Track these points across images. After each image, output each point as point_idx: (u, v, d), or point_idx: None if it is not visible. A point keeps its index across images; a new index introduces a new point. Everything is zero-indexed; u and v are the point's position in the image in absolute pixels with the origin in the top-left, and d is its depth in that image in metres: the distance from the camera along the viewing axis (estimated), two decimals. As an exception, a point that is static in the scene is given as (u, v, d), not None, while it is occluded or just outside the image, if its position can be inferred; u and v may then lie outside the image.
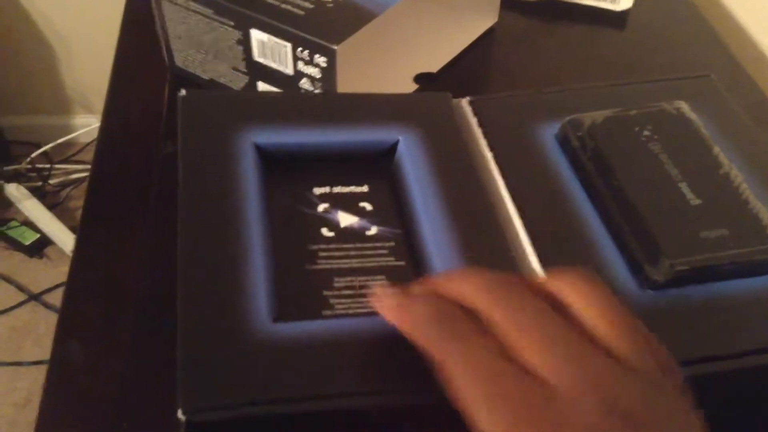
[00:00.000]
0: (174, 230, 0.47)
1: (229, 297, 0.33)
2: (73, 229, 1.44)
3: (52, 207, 1.49)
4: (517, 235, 0.39)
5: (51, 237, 1.43)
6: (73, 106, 1.61)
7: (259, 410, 0.29)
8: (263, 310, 0.32)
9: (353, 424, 0.32)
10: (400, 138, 0.42)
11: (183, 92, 0.42)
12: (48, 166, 1.56)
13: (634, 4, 0.68)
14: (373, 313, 0.35)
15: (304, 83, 0.50)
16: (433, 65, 0.60)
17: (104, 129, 0.54)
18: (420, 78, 0.58)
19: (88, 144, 1.62)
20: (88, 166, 1.56)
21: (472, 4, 0.62)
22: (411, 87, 0.58)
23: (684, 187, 0.39)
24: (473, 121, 0.45)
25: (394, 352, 0.31)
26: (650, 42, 0.66)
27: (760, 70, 0.67)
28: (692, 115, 0.44)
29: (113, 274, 0.44)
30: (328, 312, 0.35)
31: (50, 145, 1.55)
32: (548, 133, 0.44)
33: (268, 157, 0.41)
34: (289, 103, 0.43)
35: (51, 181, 1.55)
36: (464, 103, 0.47)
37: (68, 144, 1.59)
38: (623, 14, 0.68)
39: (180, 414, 0.29)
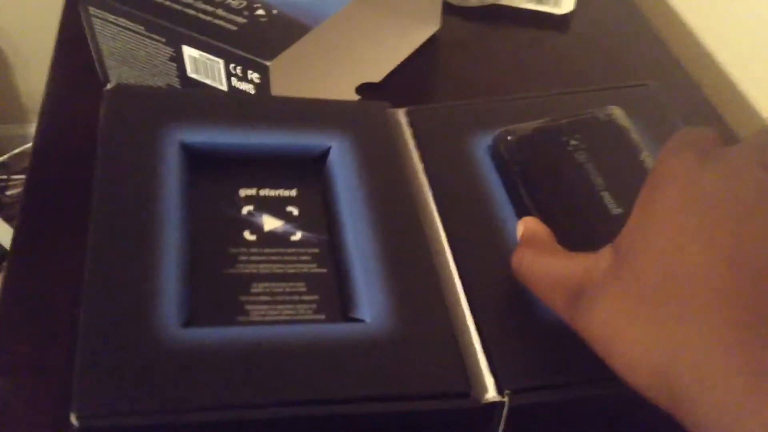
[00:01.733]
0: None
1: (137, 299, 0.32)
2: (32, 240, 1.42)
3: (10, 219, 1.46)
4: (441, 246, 0.38)
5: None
6: (29, 115, 1.59)
7: (157, 419, 0.28)
8: (172, 314, 0.32)
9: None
10: (333, 144, 0.42)
11: (109, 86, 0.41)
12: (5, 177, 1.53)
13: (576, 7, 0.68)
14: (289, 321, 0.35)
15: (240, 99, 0.50)
16: (376, 75, 0.60)
17: (37, 150, 0.53)
18: (363, 89, 0.58)
19: (46, 153, 1.59)
20: (47, 176, 1.54)
21: (412, 12, 0.61)
22: (354, 98, 0.57)
23: (606, 196, 0.39)
24: (408, 133, 0.45)
25: (307, 362, 0.31)
26: (592, 45, 0.66)
27: (701, 70, 0.68)
28: (623, 120, 0.44)
29: (46, 300, 0.44)
30: (242, 318, 0.34)
31: (7, 156, 1.53)
32: (481, 145, 0.44)
33: (194, 157, 0.40)
34: (220, 103, 0.42)
35: (8, 192, 1.52)
36: (401, 113, 0.46)
37: (26, 154, 1.57)
38: (565, 17, 0.68)
39: (73, 419, 0.27)
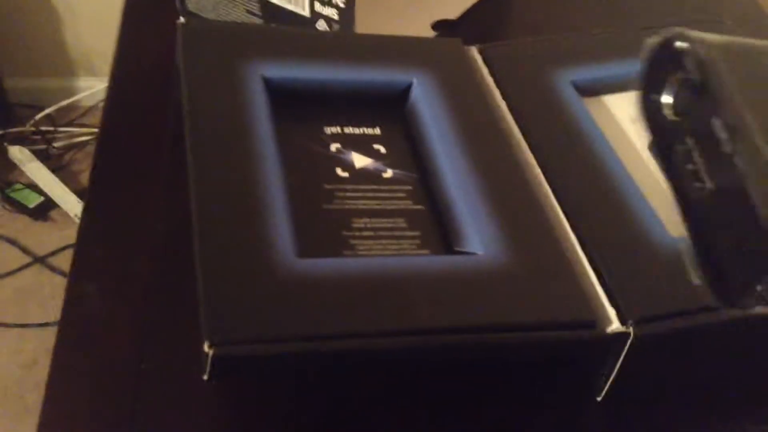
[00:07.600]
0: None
1: (251, 230, 0.31)
2: (77, 192, 1.43)
3: (55, 170, 1.47)
4: (538, 180, 0.37)
5: (55, 200, 1.41)
6: (76, 69, 1.59)
7: (292, 347, 0.28)
8: (287, 245, 0.31)
9: (383, 367, 0.30)
10: (414, 80, 0.41)
11: (182, 20, 0.40)
12: (52, 128, 1.54)
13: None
14: (399, 255, 0.34)
15: (321, 25, 0.48)
16: (452, 12, 0.58)
17: (115, 76, 0.52)
18: (438, 25, 0.57)
19: (91, 107, 1.60)
20: (92, 130, 1.55)
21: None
22: (429, 34, 0.56)
23: None
24: (484, 70, 0.44)
25: (428, 293, 0.30)
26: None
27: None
28: None
29: (128, 219, 0.43)
30: (348, 252, 0.34)
31: (53, 108, 1.53)
32: (562, 80, 0.43)
33: (276, 93, 0.39)
34: (296, 38, 0.42)
35: (55, 144, 1.53)
36: (474, 50, 0.46)
37: (72, 107, 1.57)
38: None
39: (206, 347, 0.27)
